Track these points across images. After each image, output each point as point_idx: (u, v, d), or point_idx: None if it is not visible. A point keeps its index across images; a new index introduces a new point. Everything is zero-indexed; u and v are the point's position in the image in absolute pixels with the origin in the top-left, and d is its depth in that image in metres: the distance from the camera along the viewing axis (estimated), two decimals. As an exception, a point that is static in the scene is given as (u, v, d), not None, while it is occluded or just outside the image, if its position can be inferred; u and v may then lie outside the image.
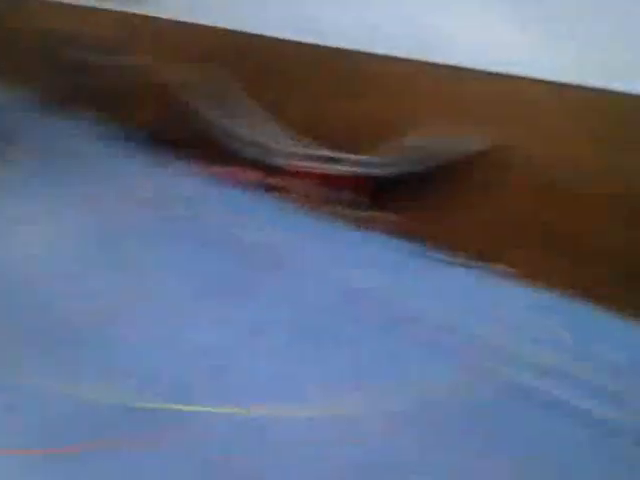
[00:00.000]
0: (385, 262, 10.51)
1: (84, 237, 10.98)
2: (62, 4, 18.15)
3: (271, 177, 13.08)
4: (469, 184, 10.84)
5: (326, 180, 12.44)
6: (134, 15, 16.11)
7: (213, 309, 8.69)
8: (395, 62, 11.34)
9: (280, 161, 12.88)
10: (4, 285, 9.06)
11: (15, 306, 8.49)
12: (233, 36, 14.05)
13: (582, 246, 9.58)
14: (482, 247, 10.67)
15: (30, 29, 18.30)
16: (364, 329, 8.43)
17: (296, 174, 12.75)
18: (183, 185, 13.36)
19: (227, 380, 7.22)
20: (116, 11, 16.49)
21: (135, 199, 12.26)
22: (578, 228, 9.67)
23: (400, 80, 11.45)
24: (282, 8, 13.05)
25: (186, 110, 13.87)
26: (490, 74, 10.22)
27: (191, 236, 10.92)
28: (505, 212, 10.51)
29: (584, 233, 9.63)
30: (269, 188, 13.14)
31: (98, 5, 16.94)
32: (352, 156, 12.02)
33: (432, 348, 8.03)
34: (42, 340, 7.77)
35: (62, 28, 16.74)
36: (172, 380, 7.10)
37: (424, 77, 11.04)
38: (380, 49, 11.46)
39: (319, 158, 12.52)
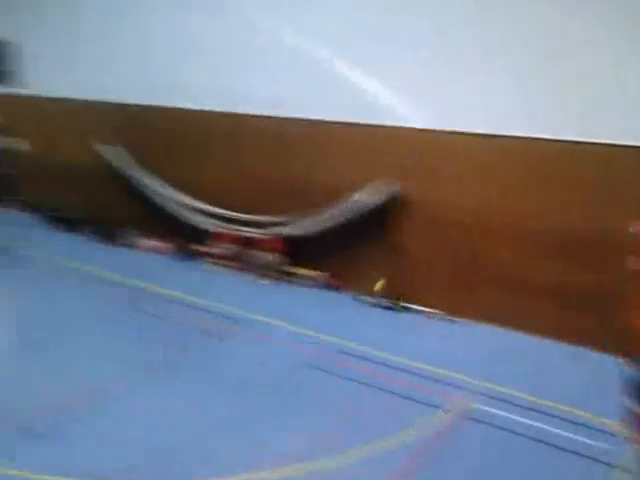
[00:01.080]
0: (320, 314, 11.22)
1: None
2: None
3: (193, 243, 13.76)
4: (377, 232, 11.60)
5: (245, 242, 13.03)
6: (15, 97, 16.43)
7: (179, 377, 8.94)
8: (302, 124, 11.97)
9: (200, 226, 13.47)
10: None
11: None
12: (120, 107, 14.59)
13: (518, 281, 10.56)
14: (408, 290, 11.33)
15: None
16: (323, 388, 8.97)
17: (216, 238, 13.28)
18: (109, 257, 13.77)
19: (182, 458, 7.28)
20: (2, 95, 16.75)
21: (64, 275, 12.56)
22: (501, 264, 10.65)
23: (309, 140, 12.14)
24: (164, 76, 13.69)
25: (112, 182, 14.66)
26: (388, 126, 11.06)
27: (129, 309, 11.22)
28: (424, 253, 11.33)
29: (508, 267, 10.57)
30: (192, 253, 13.80)
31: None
32: (267, 218, 12.57)
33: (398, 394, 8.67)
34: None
35: None
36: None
37: (334, 136, 11.83)
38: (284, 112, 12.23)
39: (236, 221, 13.03)
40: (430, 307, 11.26)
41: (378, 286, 11.51)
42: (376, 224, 11.58)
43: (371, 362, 9.47)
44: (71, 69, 15.11)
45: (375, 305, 11.51)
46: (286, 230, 12.39)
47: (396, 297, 11.44)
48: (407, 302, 11.43)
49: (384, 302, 11.46)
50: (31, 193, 16.88)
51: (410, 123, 11.01)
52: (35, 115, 16.41)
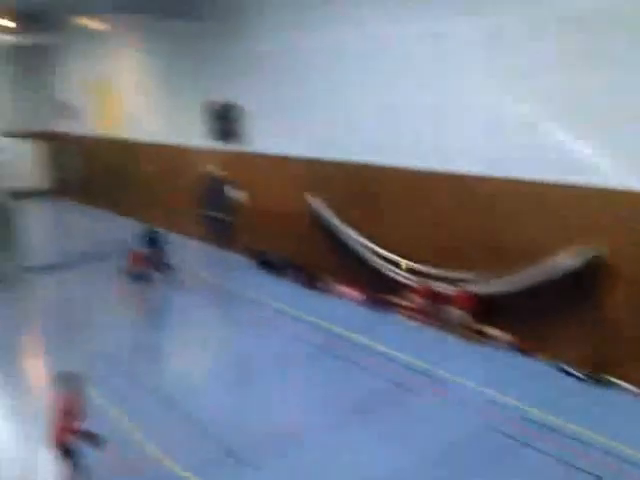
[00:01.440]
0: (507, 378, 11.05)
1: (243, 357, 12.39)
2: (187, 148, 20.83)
3: (385, 293, 14.28)
4: (576, 297, 11.13)
5: (436, 296, 13.23)
6: (246, 154, 18.38)
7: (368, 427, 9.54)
8: (496, 182, 12.05)
9: (393, 277, 13.96)
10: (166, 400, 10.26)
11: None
12: (331, 165, 15.61)
13: None
14: (598, 361, 10.68)
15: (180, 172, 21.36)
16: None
17: (408, 290, 13.62)
18: (323, 306, 14.71)
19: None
20: (226, 151, 18.99)
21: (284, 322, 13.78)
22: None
23: (503, 198, 12.15)
24: (369, 135, 14.44)
25: (318, 234, 15.81)
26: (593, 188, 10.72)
27: (337, 356, 12.02)
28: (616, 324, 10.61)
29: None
30: (384, 303, 14.27)
31: (218, 148, 19.43)
32: (458, 274, 12.69)
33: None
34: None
35: (206, 171, 19.58)
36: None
37: (530, 197, 11.70)
38: (478, 170, 12.41)
39: (428, 275, 13.32)
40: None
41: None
42: (575, 289, 11.05)
43: (559, 434, 9.13)
44: (289, 129, 16.73)
45: (569, 374, 10.97)
46: (477, 288, 12.41)
47: (592, 369, 10.77)
48: (609, 376, 10.66)
49: (581, 372, 10.84)
50: (245, 238, 18.73)
51: (620, 184, 10.34)
52: (252, 169, 18.27)
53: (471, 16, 12.11)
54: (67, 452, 7.68)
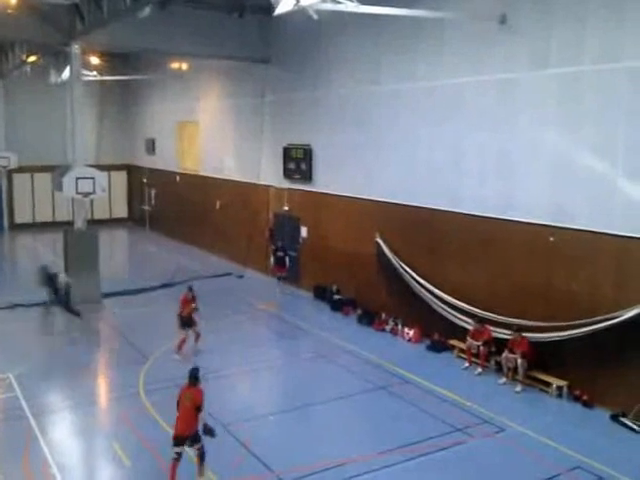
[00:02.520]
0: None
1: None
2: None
3: (447, 336, 14.59)
4: (636, 347, 11.17)
5: (496, 342, 13.37)
6: (313, 193, 19.33)
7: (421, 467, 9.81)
8: (569, 233, 12.35)
9: (455, 322, 14.22)
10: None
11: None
12: (398, 209, 16.12)
13: None
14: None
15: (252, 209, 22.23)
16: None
17: (469, 335, 13.75)
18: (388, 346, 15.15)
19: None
20: (301, 190, 19.89)
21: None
22: None
23: (573, 249, 12.31)
24: (438, 182, 14.83)
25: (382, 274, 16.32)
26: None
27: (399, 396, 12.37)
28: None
29: None
30: (445, 346, 14.56)
31: (290, 187, 20.42)
32: (519, 321, 12.90)
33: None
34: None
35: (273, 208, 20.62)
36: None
37: (600, 247, 11.81)
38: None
39: (489, 321, 13.57)
40: None
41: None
42: (636, 339, 11.07)
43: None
44: (358, 171, 17.54)
45: (625, 425, 10.95)
46: (537, 335, 12.53)
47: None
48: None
49: (637, 424, 10.80)
50: (310, 274, 19.52)
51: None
52: (321, 208, 19.15)
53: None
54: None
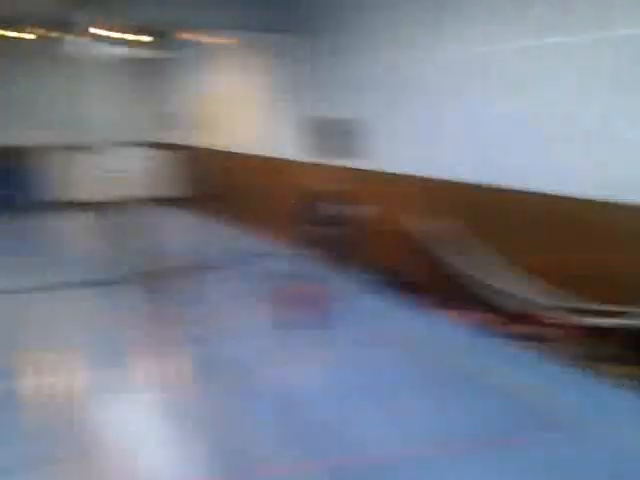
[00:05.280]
0: None
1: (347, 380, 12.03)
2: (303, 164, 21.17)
3: (521, 325, 13.26)
4: None
5: (585, 332, 12.20)
6: (361, 170, 18.40)
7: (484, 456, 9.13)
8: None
9: (532, 310, 13.03)
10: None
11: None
12: (460, 187, 15.06)
13: None
14: None
15: (286, 186, 21.37)
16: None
17: (549, 324, 12.74)
18: (435, 330, 14.38)
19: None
20: (345, 167, 18.97)
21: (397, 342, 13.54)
22: None
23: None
24: (492, 156, 13.95)
25: (432, 257, 15.30)
26: None
27: (452, 382, 11.61)
28: None
29: None
30: (518, 336, 13.22)
31: (331, 163, 19.55)
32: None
33: None
34: None
35: (311, 185, 19.21)
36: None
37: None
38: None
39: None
40: None
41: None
42: None
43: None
44: (409, 147, 16.69)
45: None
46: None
47: None
48: None
49: None
50: (358, 255, 18.07)
51: None
52: (373, 186, 18.02)
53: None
54: None
